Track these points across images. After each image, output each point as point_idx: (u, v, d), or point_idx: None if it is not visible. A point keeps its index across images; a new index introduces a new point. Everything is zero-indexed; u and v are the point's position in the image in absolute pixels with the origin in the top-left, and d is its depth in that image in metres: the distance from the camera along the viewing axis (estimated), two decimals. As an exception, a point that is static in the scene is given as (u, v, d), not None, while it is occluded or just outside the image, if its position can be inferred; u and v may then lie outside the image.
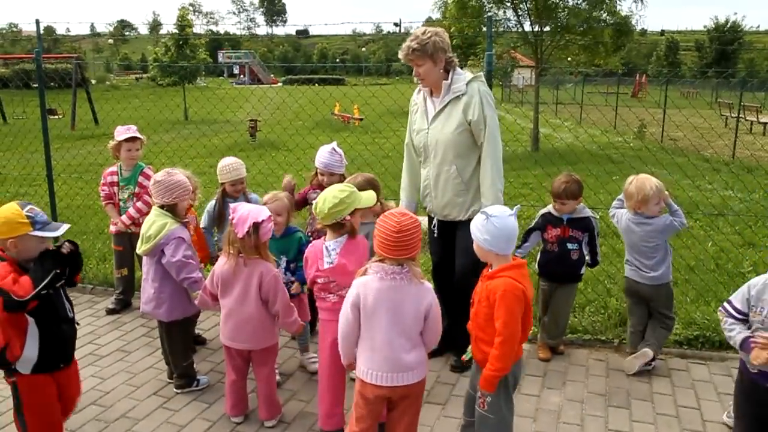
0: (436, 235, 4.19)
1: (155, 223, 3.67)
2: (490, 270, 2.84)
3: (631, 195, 4.00)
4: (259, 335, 3.41)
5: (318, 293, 3.34)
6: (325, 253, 3.25)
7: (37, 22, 6.16)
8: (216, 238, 4.52)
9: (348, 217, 3.21)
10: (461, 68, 3.96)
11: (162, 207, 3.71)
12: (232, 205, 3.43)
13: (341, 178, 4.27)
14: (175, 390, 3.89)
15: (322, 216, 3.20)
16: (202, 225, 4.47)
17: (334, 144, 4.32)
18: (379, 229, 2.75)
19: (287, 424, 3.55)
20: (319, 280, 3.28)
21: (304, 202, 4.46)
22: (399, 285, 2.74)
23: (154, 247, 3.63)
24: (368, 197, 3.32)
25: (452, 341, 4.01)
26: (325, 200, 3.18)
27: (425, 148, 4.03)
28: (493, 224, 2.72)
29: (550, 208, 4.30)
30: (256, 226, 3.23)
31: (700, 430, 3.49)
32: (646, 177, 4.00)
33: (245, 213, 3.25)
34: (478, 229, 2.78)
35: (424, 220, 5.75)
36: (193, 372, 3.95)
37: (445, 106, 3.90)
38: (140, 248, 3.75)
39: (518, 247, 4.41)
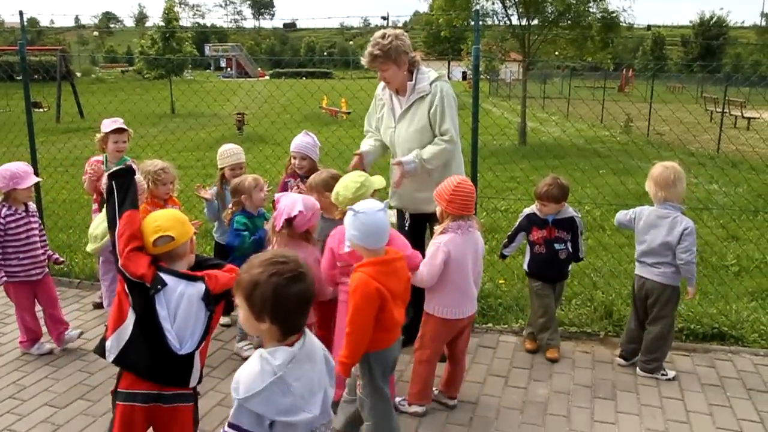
0: (407, 228, 4.21)
1: (103, 223, 3.64)
2: None
3: (680, 179, 3.85)
4: None
5: (339, 278, 3.40)
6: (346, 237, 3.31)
7: (21, 13, 6.06)
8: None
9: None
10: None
11: None
12: (276, 195, 3.53)
13: (313, 164, 4.32)
14: None
15: (347, 202, 3.28)
16: (208, 218, 4.45)
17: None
18: (458, 193, 3.32)
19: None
20: (338, 263, 3.35)
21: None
22: (474, 235, 3.44)
23: (103, 246, 3.60)
24: (379, 180, 3.53)
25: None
26: (346, 186, 3.34)
27: (392, 145, 4.11)
28: (360, 220, 2.84)
29: (534, 208, 4.26)
30: (288, 221, 3.32)
31: (683, 421, 3.54)
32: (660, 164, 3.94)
33: (281, 207, 3.35)
34: (347, 224, 2.91)
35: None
36: None
37: (411, 106, 3.98)
38: (89, 246, 3.75)
39: (505, 247, 4.43)
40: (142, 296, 2.53)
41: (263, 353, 1.92)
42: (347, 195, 3.32)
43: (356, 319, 2.82)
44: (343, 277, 3.39)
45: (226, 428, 1.90)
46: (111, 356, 2.61)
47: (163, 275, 2.54)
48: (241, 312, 1.96)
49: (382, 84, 4.13)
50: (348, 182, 3.38)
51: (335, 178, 3.84)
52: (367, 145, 4.22)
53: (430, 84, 3.92)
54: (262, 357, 1.91)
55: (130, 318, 2.57)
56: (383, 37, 3.82)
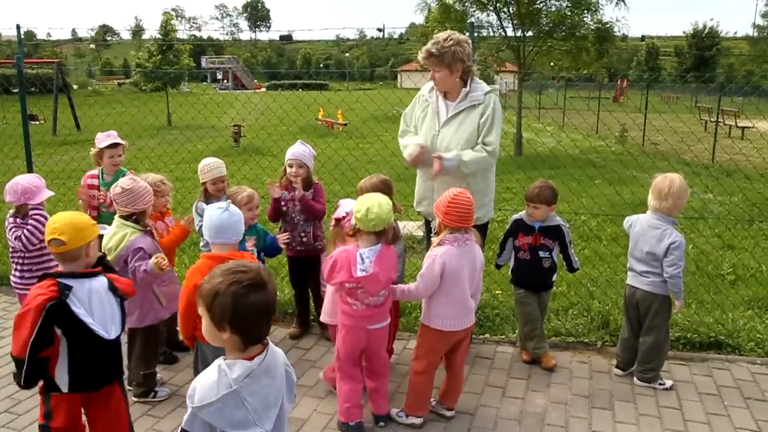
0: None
1: (115, 235, 3.64)
2: None
3: (675, 192, 3.85)
4: (329, 309, 3.81)
5: (344, 297, 3.40)
6: (359, 260, 3.28)
7: (18, 27, 6.09)
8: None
9: (393, 223, 3.39)
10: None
11: (129, 217, 3.64)
12: (340, 201, 3.77)
13: (308, 172, 4.34)
14: (133, 398, 3.75)
15: (375, 222, 3.23)
16: (199, 234, 4.42)
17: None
18: (454, 205, 3.28)
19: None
20: (347, 285, 3.33)
21: (280, 207, 4.45)
22: (470, 248, 3.39)
23: (116, 258, 3.60)
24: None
25: None
26: (380, 206, 3.24)
27: (432, 147, 4.00)
28: (205, 215, 3.13)
29: (522, 214, 4.28)
30: (338, 221, 3.66)
31: (681, 430, 3.54)
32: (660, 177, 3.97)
33: (339, 210, 3.72)
34: None
35: (411, 225, 5.74)
36: (153, 383, 3.86)
37: (460, 112, 3.95)
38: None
39: (498, 256, 4.43)
40: (59, 313, 2.63)
41: (222, 364, 1.91)
42: (381, 214, 3.23)
43: (181, 298, 3.11)
44: (350, 299, 3.37)
45: None
46: (64, 387, 2.76)
47: (64, 281, 2.68)
48: (204, 322, 1.95)
49: (430, 84, 4.09)
50: (382, 202, 3.28)
51: (385, 183, 3.92)
52: (422, 139, 4.05)
53: (485, 94, 3.94)
54: (220, 368, 1.91)
55: (63, 345, 2.70)
56: (445, 39, 3.82)
